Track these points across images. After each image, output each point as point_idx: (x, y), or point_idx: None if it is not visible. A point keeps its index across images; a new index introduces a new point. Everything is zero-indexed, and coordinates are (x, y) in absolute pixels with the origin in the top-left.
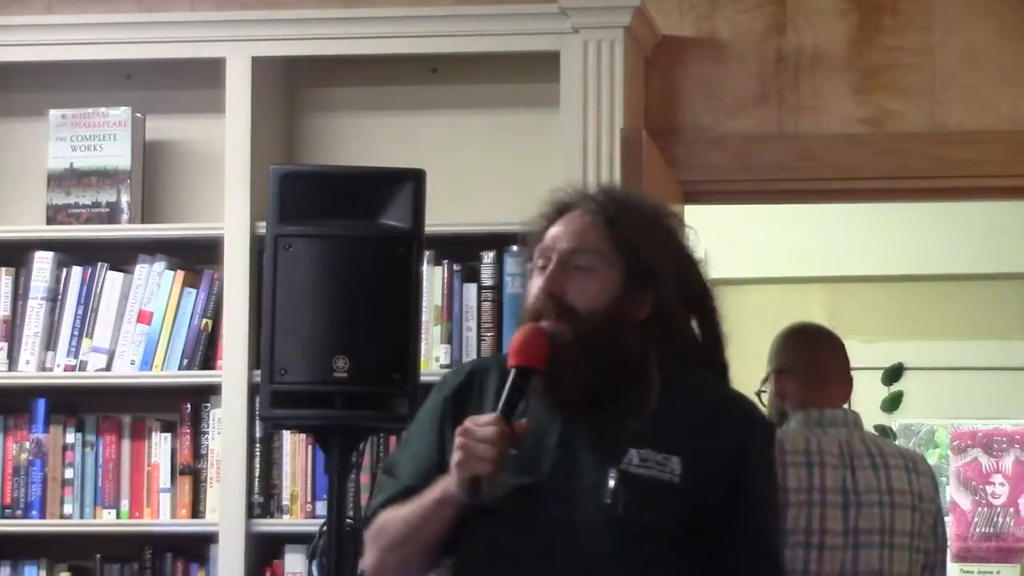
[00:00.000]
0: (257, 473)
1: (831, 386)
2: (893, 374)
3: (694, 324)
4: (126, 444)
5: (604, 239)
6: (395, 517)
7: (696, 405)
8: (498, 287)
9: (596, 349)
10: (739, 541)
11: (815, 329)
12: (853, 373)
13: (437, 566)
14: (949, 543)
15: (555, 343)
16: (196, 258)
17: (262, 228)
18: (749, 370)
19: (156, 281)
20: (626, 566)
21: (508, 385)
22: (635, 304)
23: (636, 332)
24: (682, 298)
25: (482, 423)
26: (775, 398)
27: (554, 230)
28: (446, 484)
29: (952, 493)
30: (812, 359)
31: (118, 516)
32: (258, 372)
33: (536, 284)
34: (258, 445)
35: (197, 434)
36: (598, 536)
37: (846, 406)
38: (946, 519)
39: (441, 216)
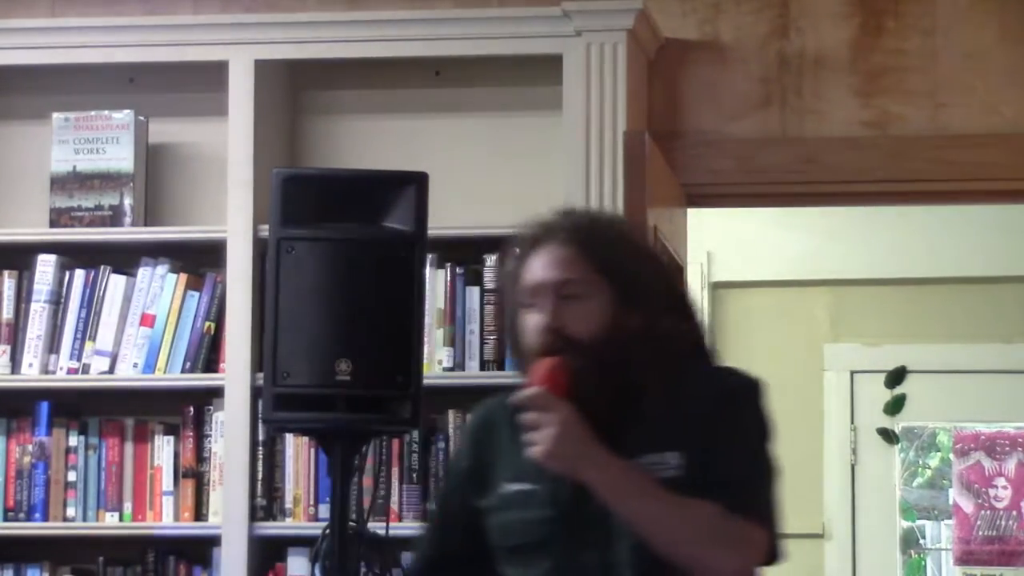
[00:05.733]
0: (260, 476)
1: None
2: (895, 377)
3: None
4: (129, 447)
5: (584, 265)
6: None
7: (687, 397)
8: (501, 290)
9: (605, 373)
10: (701, 478)
11: None
12: (856, 376)
13: None
14: (952, 546)
15: (575, 375)
16: (199, 261)
17: (265, 231)
18: (753, 371)
19: (159, 284)
20: (648, 572)
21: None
22: (627, 321)
23: (633, 348)
24: (664, 300)
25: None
26: None
27: (535, 267)
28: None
29: (955, 496)
30: None
31: (121, 519)
32: (261, 375)
33: (533, 321)
34: (261, 448)
35: (200, 437)
36: (620, 549)
37: None
38: (949, 522)
39: (444, 219)
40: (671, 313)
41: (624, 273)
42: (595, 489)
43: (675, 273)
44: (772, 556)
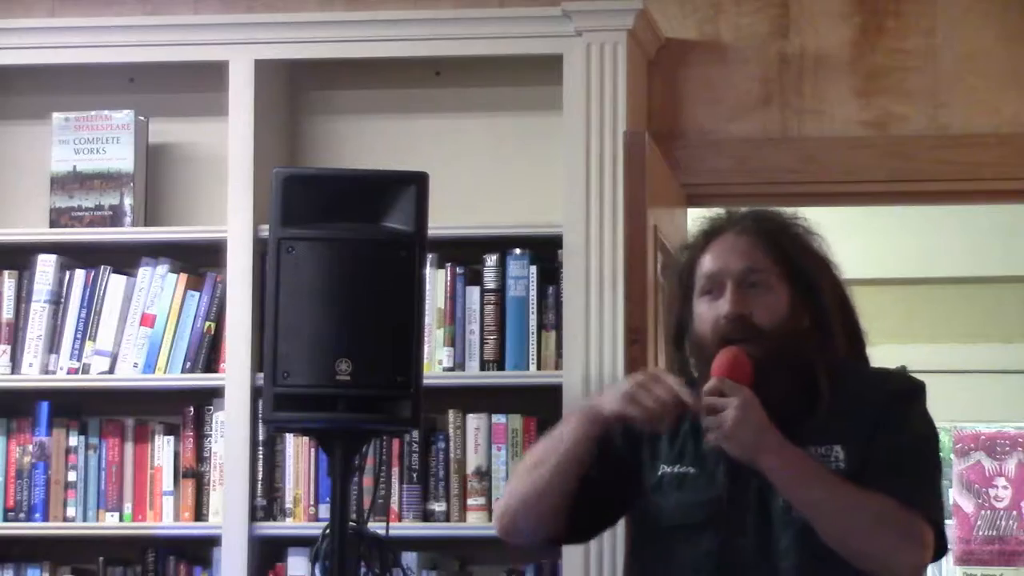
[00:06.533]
0: (260, 476)
1: None
2: None
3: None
4: (129, 447)
5: (765, 255)
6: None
7: (853, 394)
8: (501, 290)
9: (786, 364)
10: (865, 473)
11: None
12: None
13: (558, 522)
14: (952, 546)
15: (757, 365)
16: (199, 261)
17: (265, 231)
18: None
19: (159, 284)
20: (809, 560)
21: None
22: (802, 314)
23: (807, 343)
24: (836, 299)
25: (670, 380)
26: None
27: (716, 254)
28: (595, 403)
29: (955, 496)
30: None
31: (121, 519)
32: (261, 375)
33: (712, 309)
34: (261, 448)
35: (200, 437)
36: (780, 537)
37: None
38: (949, 522)
39: (444, 219)
40: (838, 313)
41: (802, 269)
42: (770, 475)
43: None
44: (938, 553)
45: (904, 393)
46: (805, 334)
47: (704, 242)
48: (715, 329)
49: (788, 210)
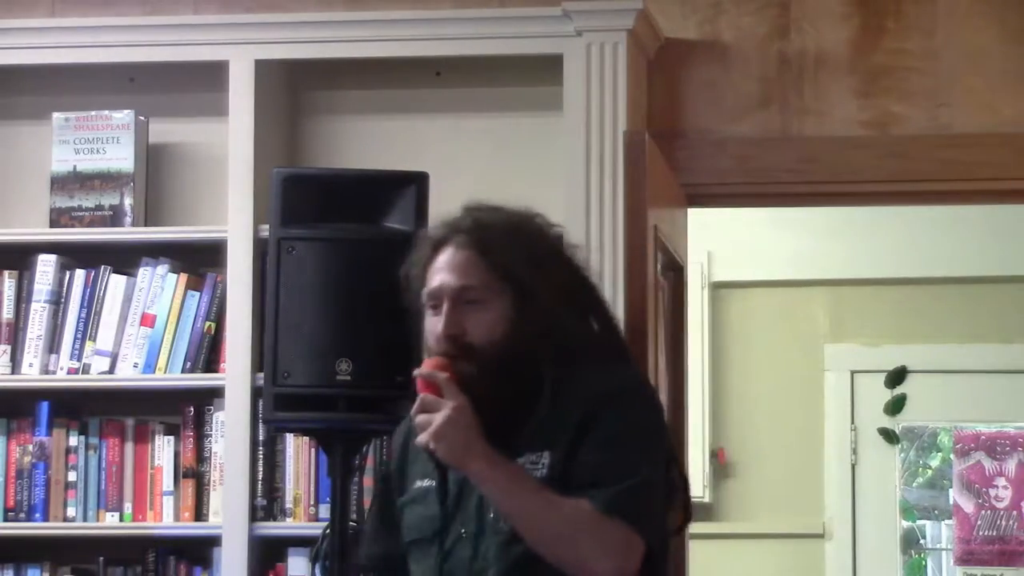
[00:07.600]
0: (260, 476)
1: None
2: (896, 377)
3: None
4: (129, 447)
5: (485, 270)
6: None
7: (571, 398)
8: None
9: (500, 378)
10: (571, 479)
11: None
12: (856, 376)
13: None
14: (952, 546)
15: (467, 380)
16: (199, 261)
17: (265, 231)
18: (753, 371)
19: (159, 284)
20: (511, 569)
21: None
22: (528, 323)
23: (530, 352)
24: (568, 299)
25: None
26: None
27: (437, 270)
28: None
29: (955, 496)
30: None
31: (121, 519)
32: (261, 375)
33: (433, 325)
34: (261, 448)
35: (200, 437)
36: (489, 547)
37: None
38: (949, 522)
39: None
40: (578, 313)
41: (524, 278)
42: (477, 482)
43: (586, 270)
44: (655, 563)
45: (611, 394)
46: (529, 344)
47: (430, 254)
48: (435, 346)
49: (518, 211)
